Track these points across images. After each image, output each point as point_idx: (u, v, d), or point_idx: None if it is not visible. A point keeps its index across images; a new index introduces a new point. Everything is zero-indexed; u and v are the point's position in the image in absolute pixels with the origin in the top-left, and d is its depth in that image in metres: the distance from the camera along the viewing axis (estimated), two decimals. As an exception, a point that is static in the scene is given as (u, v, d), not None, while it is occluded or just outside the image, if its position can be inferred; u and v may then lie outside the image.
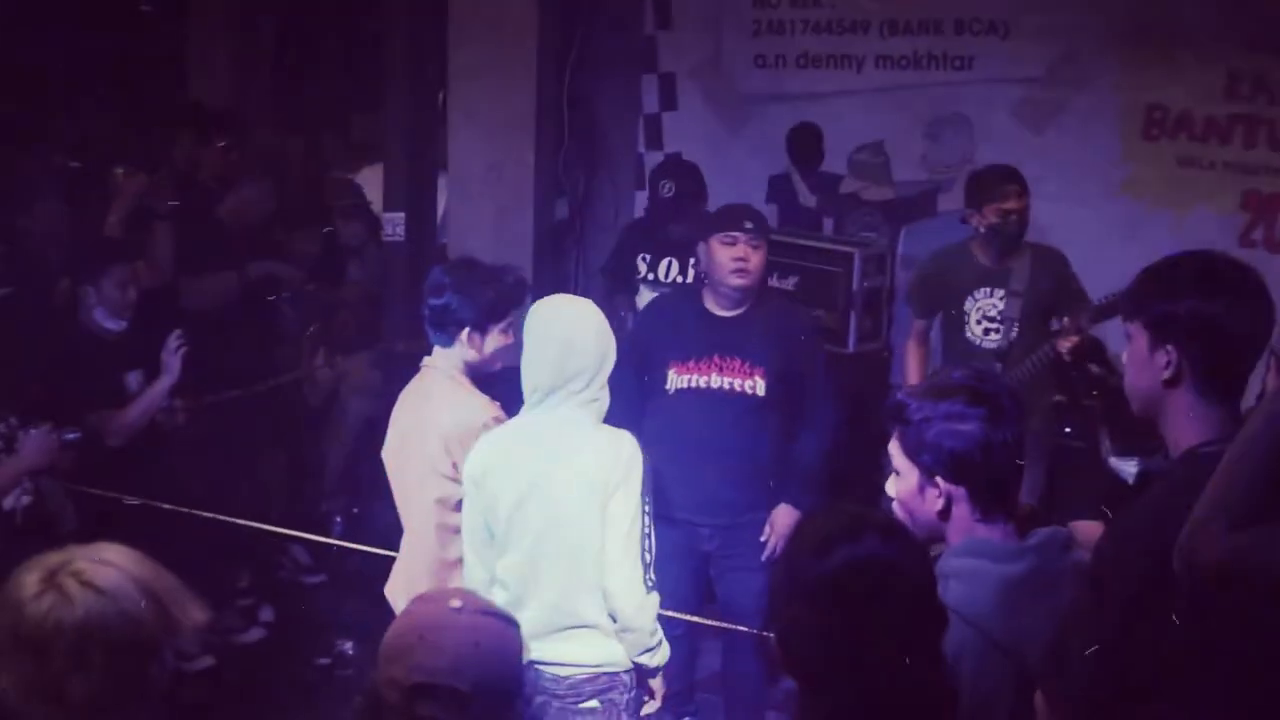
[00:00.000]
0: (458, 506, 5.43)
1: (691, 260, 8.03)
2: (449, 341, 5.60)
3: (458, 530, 5.38)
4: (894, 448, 3.67)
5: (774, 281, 8.45)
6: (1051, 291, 7.42)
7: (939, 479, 3.56)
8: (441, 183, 9.36)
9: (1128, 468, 6.52)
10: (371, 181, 9.89)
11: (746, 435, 6.58)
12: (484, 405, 5.54)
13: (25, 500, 6.38)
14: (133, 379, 7.43)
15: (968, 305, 7.51)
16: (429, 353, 5.72)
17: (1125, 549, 3.35)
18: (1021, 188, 7.39)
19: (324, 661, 7.87)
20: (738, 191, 9.42)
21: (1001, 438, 3.53)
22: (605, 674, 5.10)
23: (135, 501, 6.91)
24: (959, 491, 3.56)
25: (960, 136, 9.23)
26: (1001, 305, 7.41)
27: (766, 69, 9.78)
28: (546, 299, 5.40)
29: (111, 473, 7.02)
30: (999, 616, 3.45)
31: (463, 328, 5.54)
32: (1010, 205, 7.36)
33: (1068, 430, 7.45)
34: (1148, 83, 8.68)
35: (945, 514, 3.58)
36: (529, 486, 5.04)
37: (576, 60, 9.70)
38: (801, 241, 8.76)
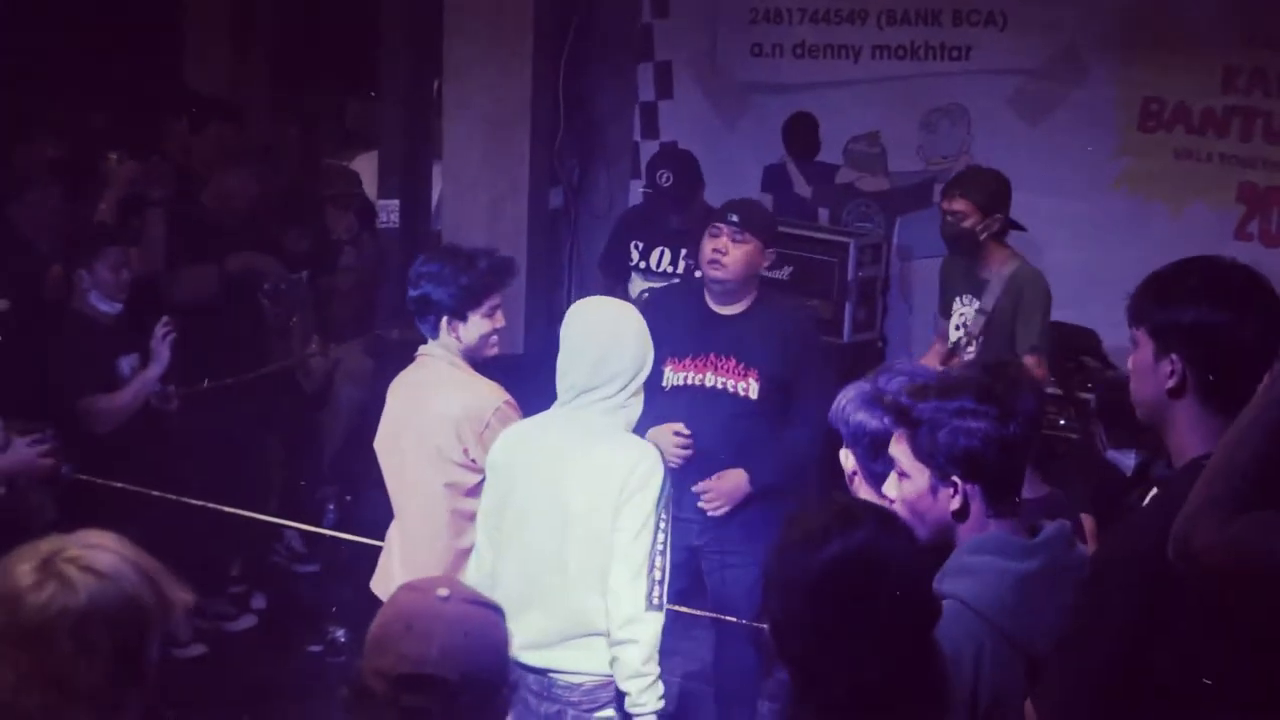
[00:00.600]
0: (470, 492, 5.44)
1: (683, 251, 8.00)
2: (434, 331, 5.60)
3: (472, 517, 5.38)
4: (899, 449, 3.65)
5: (768, 271, 8.44)
6: (1012, 316, 7.31)
7: (955, 479, 3.54)
8: (436, 170, 9.34)
9: (1125, 460, 6.51)
10: (365, 169, 9.88)
11: (737, 436, 6.47)
12: (493, 390, 5.54)
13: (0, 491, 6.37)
14: (125, 364, 7.42)
15: (955, 307, 7.52)
16: (423, 340, 5.70)
17: (1124, 560, 3.33)
18: (960, 192, 7.33)
19: (316, 649, 7.85)
20: (733, 181, 9.43)
21: (1012, 432, 3.51)
22: None
23: (122, 488, 6.91)
24: (974, 489, 3.54)
25: (957, 127, 9.21)
26: (971, 317, 7.39)
27: (763, 58, 9.76)
28: (590, 299, 5.41)
29: (105, 459, 7.01)
30: (1014, 613, 3.44)
31: (441, 316, 5.54)
32: (944, 205, 7.35)
33: (1063, 423, 7.43)
34: (1145, 75, 8.66)
35: (962, 513, 3.57)
36: (544, 485, 5.02)
37: (572, 48, 9.69)
38: (797, 231, 8.75)
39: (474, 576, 5.14)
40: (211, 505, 7.19)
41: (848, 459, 4.22)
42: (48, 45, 11.25)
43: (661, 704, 4.98)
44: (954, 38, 9.12)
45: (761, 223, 6.65)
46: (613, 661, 4.96)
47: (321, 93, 12.47)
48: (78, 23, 11.34)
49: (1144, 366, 3.40)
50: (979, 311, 7.32)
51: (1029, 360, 6.98)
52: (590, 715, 5.05)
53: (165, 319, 7.36)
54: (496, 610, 3.36)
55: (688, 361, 6.50)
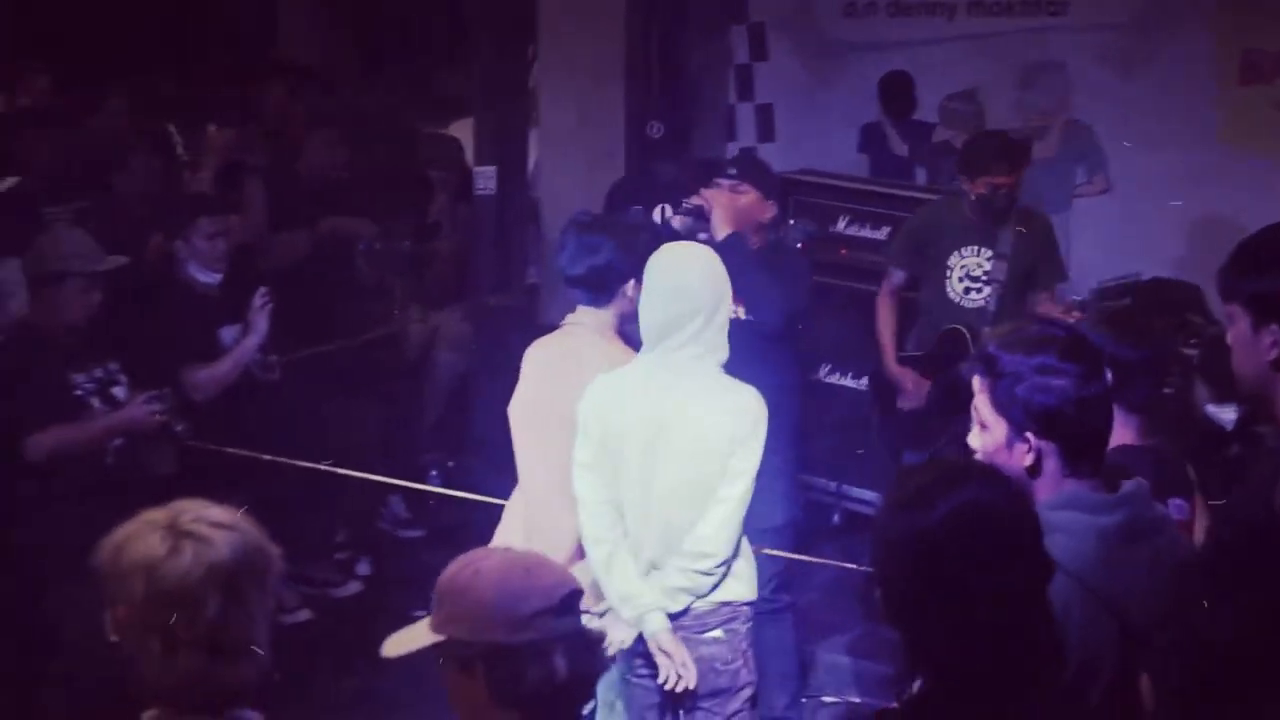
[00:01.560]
0: None
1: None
2: (608, 300, 5.52)
3: None
4: (980, 400, 3.62)
5: (866, 231, 8.42)
6: (1034, 258, 7.32)
7: (1029, 435, 3.50)
8: (532, 137, 9.36)
9: (1226, 415, 6.43)
10: (461, 136, 9.92)
11: (749, 368, 5.75)
12: None
13: (117, 441, 6.47)
14: (228, 335, 7.46)
15: (951, 260, 7.44)
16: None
17: (1241, 532, 3.26)
18: (1013, 166, 7.28)
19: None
20: (829, 141, 9.41)
21: (1094, 392, 3.46)
22: (728, 605, 5.19)
23: (233, 454, 6.97)
24: (1049, 447, 3.50)
25: (1054, 83, 9.15)
26: (988, 266, 7.32)
27: (857, 17, 9.73)
28: (664, 246, 5.40)
29: (212, 427, 7.08)
30: (1101, 568, 3.39)
31: (626, 280, 5.46)
32: (1000, 180, 7.27)
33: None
34: (1244, 26, 8.57)
35: (1035, 469, 3.53)
36: (653, 432, 5.08)
37: (665, 12, 9.67)
38: (894, 191, 8.72)
39: (599, 531, 5.23)
40: (323, 467, 7.24)
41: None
42: (140, 17, 11.36)
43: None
44: (1050, -8, 9.07)
45: (760, 175, 6.65)
46: (674, 577, 5.11)
47: (415, 60, 12.52)
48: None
49: (1242, 340, 3.31)
50: (996, 257, 7.29)
51: (1047, 296, 7.03)
52: (699, 636, 5.17)
53: (263, 289, 7.39)
54: None
55: None
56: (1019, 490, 3.18)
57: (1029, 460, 3.50)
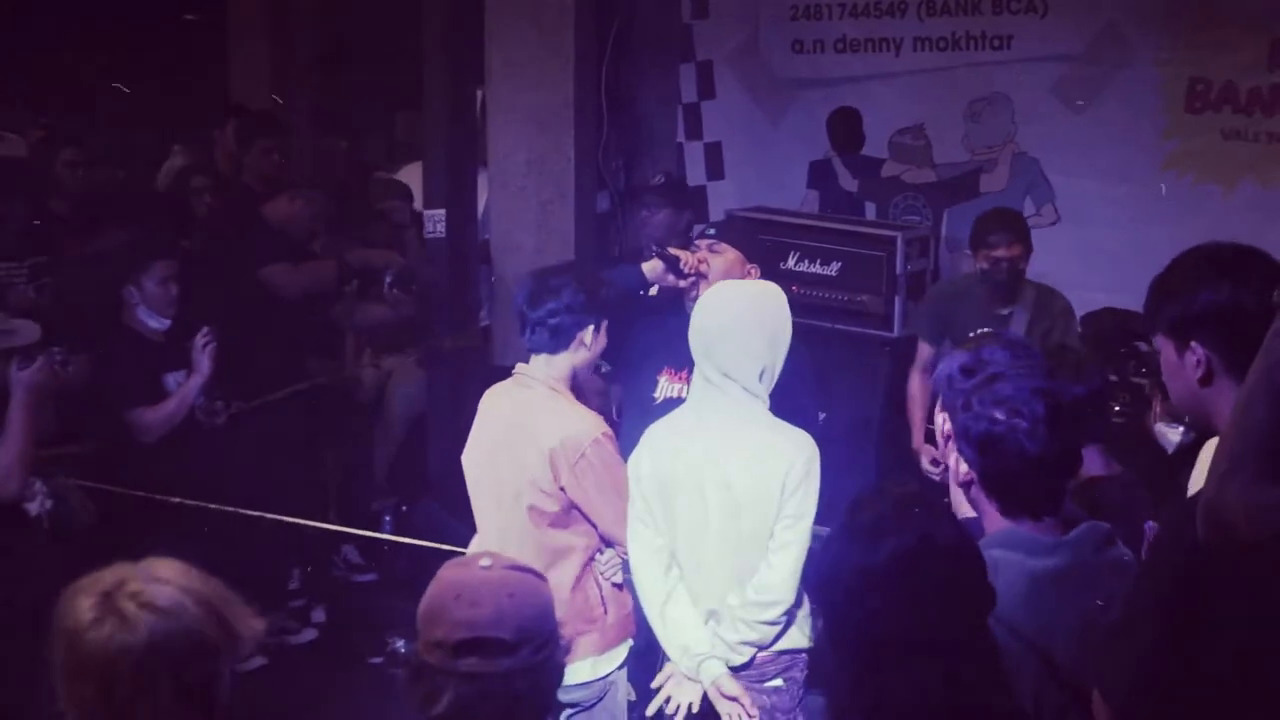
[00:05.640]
0: (554, 523, 5.39)
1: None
2: (562, 347, 5.44)
3: (554, 550, 5.38)
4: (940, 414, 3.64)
5: (816, 268, 8.42)
6: (1046, 337, 7.28)
7: (963, 459, 3.53)
8: (482, 179, 9.34)
9: (1172, 435, 6.44)
10: (413, 180, 9.90)
11: None
12: (594, 421, 5.44)
13: (49, 505, 6.38)
14: (171, 380, 7.41)
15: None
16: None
17: (1174, 545, 3.27)
18: (1014, 237, 7.29)
19: (377, 660, 7.87)
20: (779, 178, 9.42)
21: (1029, 436, 3.44)
22: (787, 654, 5.15)
23: (179, 503, 6.93)
24: (972, 475, 3.53)
25: (1001, 116, 9.18)
26: None
27: (805, 54, 9.75)
28: (728, 283, 5.37)
29: (160, 475, 7.04)
30: (1025, 610, 3.38)
31: (584, 327, 5.42)
32: (1000, 254, 7.28)
33: (1116, 409, 7.39)
34: (1189, 56, 8.61)
35: (967, 490, 3.56)
36: (705, 476, 5.03)
37: (614, 51, 9.68)
38: (843, 226, 8.73)
39: (651, 581, 5.18)
40: (271, 516, 7.20)
41: (946, 423, 4.15)
42: (97, 64, 11.35)
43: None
44: (995, 26, 9.10)
45: (739, 236, 6.62)
46: (740, 630, 5.04)
47: (369, 103, 12.53)
48: (126, 41, 11.43)
49: (1172, 367, 3.38)
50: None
51: None
52: (760, 685, 5.12)
53: (205, 329, 7.34)
54: (539, 575, 3.55)
55: (684, 374, 6.38)
56: (963, 527, 3.18)
57: (962, 481, 3.54)
